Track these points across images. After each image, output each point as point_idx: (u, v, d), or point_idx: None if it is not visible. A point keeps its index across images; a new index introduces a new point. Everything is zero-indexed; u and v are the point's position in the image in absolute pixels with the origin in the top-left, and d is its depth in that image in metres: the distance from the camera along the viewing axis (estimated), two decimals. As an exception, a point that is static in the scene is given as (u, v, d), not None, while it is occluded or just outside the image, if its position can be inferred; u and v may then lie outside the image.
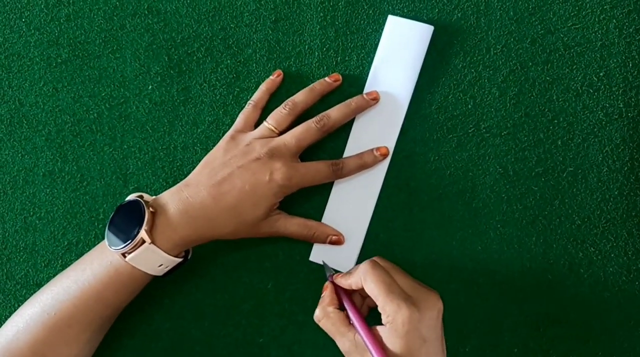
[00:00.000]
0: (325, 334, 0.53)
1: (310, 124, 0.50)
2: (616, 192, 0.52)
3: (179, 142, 0.55)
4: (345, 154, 0.53)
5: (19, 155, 0.55)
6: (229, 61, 0.54)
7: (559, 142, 0.52)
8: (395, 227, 0.53)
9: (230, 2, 0.54)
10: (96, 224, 0.55)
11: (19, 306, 0.49)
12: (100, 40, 0.55)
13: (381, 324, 0.44)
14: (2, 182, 0.56)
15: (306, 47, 0.53)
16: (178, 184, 0.49)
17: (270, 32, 0.54)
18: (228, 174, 0.48)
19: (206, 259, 0.54)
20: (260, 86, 0.53)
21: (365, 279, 0.45)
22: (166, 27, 0.54)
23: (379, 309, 0.44)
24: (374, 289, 0.44)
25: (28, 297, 0.49)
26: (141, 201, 0.47)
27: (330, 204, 0.53)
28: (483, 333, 0.52)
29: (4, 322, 0.49)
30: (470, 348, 0.53)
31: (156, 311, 0.54)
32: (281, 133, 0.50)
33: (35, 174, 0.55)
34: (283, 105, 0.51)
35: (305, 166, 0.49)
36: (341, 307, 0.48)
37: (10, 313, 0.49)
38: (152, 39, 0.54)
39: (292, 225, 0.51)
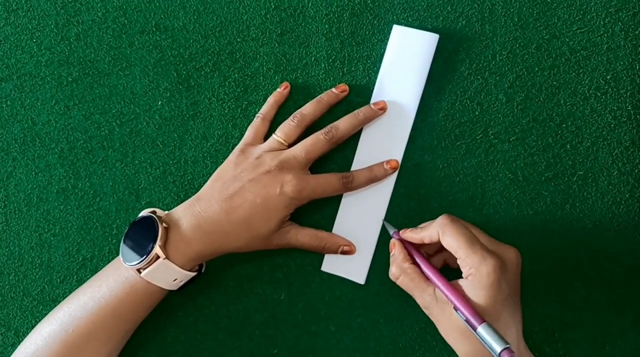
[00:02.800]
0: (340, 344, 0.53)
1: (319, 135, 0.50)
2: (627, 195, 0.51)
3: (189, 157, 0.55)
4: (354, 164, 0.53)
5: (33, 173, 0.56)
6: (236, 75, 0.55)
7: (568, 146, 0.52)
8: (406, 235, 0.53)
9: (236, 17, 0.55)
10: (110, 239, 0.56)
11: (36, 322, 0.50)
12: (110, 58, 0.56)
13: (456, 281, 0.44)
14: (17, 200, 0.56)
15: (312, 59, 0.54)
16: (190, 199, 0.50)
17: (277, 45, 0.54)
18: (239, 188, 0.48)
19: (219, 271, 0.54)
20: (268, 99, 0.54)
21: (444, 231, 0.45)
22: (174, 44, 0.55)
23: (459, 262, 0.44)
24: (455, 242, 0.44)
25: (45, 314, 0.50)
26: (154, 216, 0.48)
27: (341, 214, 0.53)
28: (497, 339, 0.52)
29: (23, 340, 0.49)
30: (484, 355, 0.52)
31: (171, 323, 0.55)
32: (290, 145, 0.51)
33: (49, 191, 0.56)
34: (291, 117, 0.51)
35: (315, 178, 0.50)
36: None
37: (28, 329, 0.50)
38: (160, 56, 0.55)
39: (303, 236, 0.51)
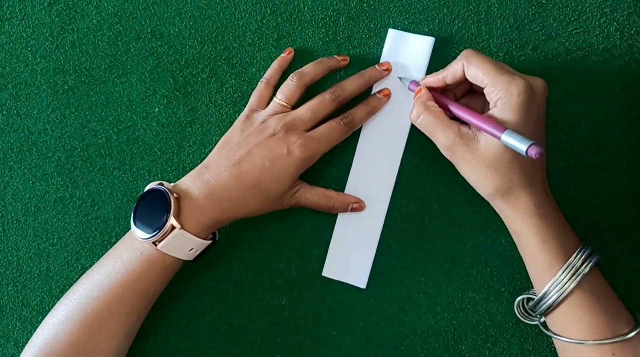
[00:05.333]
0: (342, 349, 0.53)
1: (325, 95, 0.50)
2: (622, 194, 0.52)
3: (187, 163, 0.55)
4: (353, 169, 0.53)
5: (30, 182, 0.56)
6: (233, 81, 0.55)
7: (563, 146, 0.52)
8: (407, 238, 0.53)
9: (232, 23, 0.54)
10: (109, 247, 0.55)
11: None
12: (106, 66, 0.55)
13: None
14: (15, 210, 0.56)
15: (309, 63, 0.54)
16: (197, 168, 0.50)
17: (274, 50, 0.54)
18: (246, 153, 0.48)
19: (220, 277, 0.54)
20: (273, 64, 0.54)
21: (470, 61, 0.45)
22: (170, 50, 0.55)
23: (487, 90, 0.44)
24: (482, 68, 0.44)
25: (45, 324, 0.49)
26: (164, 188, 0.48)
27: (341, 218, 0.53)
28: (501, 341, 0.52)
29: (22, 350, 0.49)
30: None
31: (172, 332, 0.54)
32: (294, 107, 0.51)
33: (47, 200, 0.56)
34: (290, 77, 0.51)
35: (318, 131, 0.50)
36: None
37: (28, 340, 0.49)
38: (157, 62, 0.55)
39: (313, 195, 0.51)
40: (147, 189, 0.49)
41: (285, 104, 0.51)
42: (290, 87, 0.51)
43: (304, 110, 0.50)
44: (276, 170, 0.48)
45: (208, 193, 0.48)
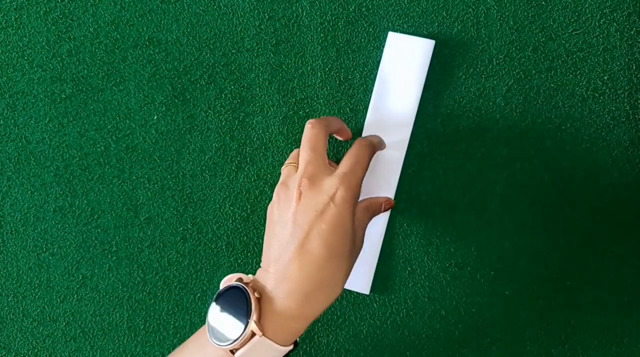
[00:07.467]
0: (348, 355, 0.53)
1: (308, 126, 0.46)
2: (627, 195, 0.51)
3: (187, 170, 0.55)
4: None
5: (29, 192, 0.55)
6: (232, 87, 0.54)
7: (567, 148, 0.52)
8: (410, 242, 0.53)
9: (230, 28, 0.54)
10: (109, 256, 0.55)
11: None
12: (103, 74, 0.55)
13: None
14: (13, 220, 0.56)
15: (308, 68, 0.53)
16: (259, 271, 0.44)
17: (272, 55, 0.54)
18: (294, 230, 0.42)
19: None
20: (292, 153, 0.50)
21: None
22: (168, 57, 0.55)
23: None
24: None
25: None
26: (243, 286, 0.41)
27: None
28: (505, 344, 0.52)
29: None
30: (492, 360, 0.52)
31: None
32: None
33: (46, 210, 0.55)
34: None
35: (343, 163, 0.44)
36: None
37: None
38: (154, 70, 0.55)
39: (363, 214, 0.47)
40: (226, 284, 0.43)
41: (291, 163, 0.47)
42: (293, 151, 0.50)
43: (304, 150, 0.45)
44: (334, 224, 0.41)
45: (287, 292, 0.41)
